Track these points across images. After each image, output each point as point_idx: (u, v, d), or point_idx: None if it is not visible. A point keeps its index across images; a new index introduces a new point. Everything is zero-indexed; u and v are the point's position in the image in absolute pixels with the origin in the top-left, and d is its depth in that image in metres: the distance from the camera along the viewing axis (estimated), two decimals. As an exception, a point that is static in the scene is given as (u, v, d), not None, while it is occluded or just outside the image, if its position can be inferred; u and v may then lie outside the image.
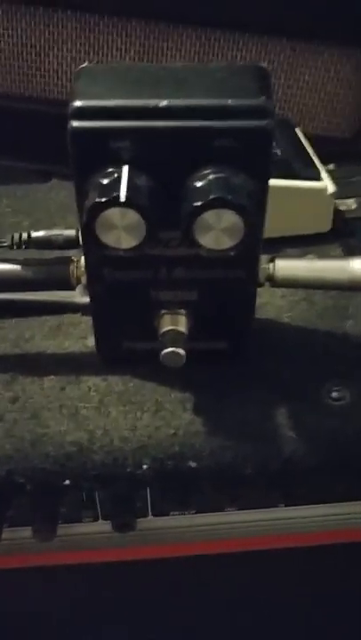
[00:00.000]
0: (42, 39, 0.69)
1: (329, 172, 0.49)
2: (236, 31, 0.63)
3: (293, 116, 0.66)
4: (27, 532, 0.41)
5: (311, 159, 0.49)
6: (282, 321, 0.43)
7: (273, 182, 0.32)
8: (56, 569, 0.46)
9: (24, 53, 0.70)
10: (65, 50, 0.70)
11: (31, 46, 0.70)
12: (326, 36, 0.64)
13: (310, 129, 0.66)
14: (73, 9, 0.67)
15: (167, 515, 0.44)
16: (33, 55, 0.70)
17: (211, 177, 0.30)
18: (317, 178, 0.48)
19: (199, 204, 0.30)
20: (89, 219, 0.30)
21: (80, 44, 0.68)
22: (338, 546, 0.47)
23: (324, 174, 0.48)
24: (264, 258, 0.37)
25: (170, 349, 0.35)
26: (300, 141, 0.52)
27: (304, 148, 0.51)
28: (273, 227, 0.35)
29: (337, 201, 0.49)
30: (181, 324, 0.36)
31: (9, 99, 0.72)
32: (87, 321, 0.42)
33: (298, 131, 0.54)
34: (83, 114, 0.30)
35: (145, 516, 0.43)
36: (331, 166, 0.53)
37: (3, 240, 0.37)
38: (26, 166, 0.70)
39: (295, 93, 0.68)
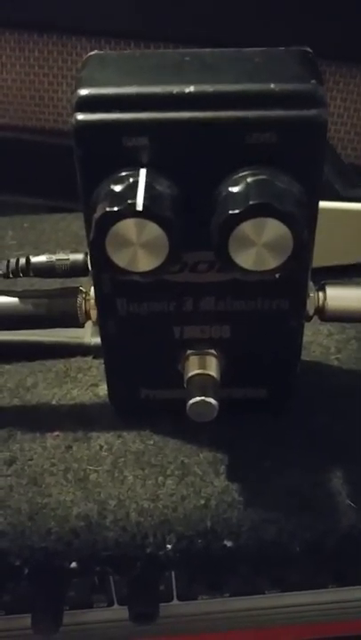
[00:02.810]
0: (55, 68, 0.65)
1: (376, 194, 0.43)
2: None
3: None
4: (25, 620, 0.33)
5: (356, 179, 0.43)
6: (330, 364, 0.36)
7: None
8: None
9: (35, 82, 0.66)
10: (79, 78, 0.66)
11: (43, 75, 0.66)
12: (359, 59, 0.60)
13: (342, 158, 0.61)
14: (88, 35, 0.63)
15: (196, 599, 0.36)
16: (45, 84, 0.66)
17: (249, 180, 0.24)
18: (364, 199, 0.42)
19: (236, 211, 0.23)
20: (98, 233, 0.24)
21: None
22: None
23: (371, 195, 0.42)
24: (311, 286, 0.30)
25: (198, 398, 0.29)
26: (341, 161, 0.46)
27: (346, 167, 0.45)
28: (313, 255, 0.29)
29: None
30: (211, 366, 0.30)
31: (20, 131, 0.68)
32: (99, 366, 0.36)
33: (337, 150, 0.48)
34: (90, 105, 0.24)
35: (169, 600, 0.36)
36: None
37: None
38: (37, 202, 0.66)
39: (326, 120, 0.63)
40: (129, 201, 0.23)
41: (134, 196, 0.23)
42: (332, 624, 0.38)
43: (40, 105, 0.67)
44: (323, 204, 0.41)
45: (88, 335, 0.37)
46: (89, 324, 0.34)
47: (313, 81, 0.24)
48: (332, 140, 0.64)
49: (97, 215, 0.24)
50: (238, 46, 0.26)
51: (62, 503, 0.30)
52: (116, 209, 0.23)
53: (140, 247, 0.24)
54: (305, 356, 0.36)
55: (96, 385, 0.35)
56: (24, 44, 0.64)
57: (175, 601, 0.36)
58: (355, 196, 0.42)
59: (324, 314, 0.30)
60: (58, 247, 0.47)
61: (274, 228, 0.24)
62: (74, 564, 0.30)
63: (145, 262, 0.25)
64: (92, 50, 0.63)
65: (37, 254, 0.45)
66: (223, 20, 0.57)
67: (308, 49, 0.27)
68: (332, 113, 0.64)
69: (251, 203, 0.23)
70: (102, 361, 0.33)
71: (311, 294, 0.30)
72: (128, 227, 0.24)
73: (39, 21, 0.63)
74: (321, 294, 0.30)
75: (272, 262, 0.25)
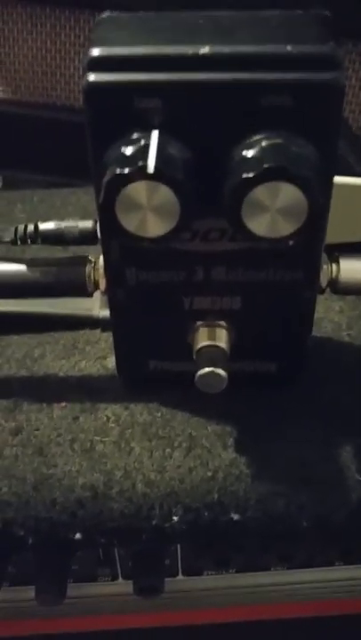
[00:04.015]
0: (67, 43, 0.64)
1: (391, 170, 0.43)
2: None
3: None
4: (29, 592, 0.33)
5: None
6: (341, 340, 0.36)
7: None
8: (65, 639, 0.38)
9: (47, 58, 0.65)
10: (91, 53, 0.65)
11: (55, 51, 0.65)
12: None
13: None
14: (101, 10, 0.62)
15: (201, 574, 0.36)
16: (57, 60, 0.65)
17: (264, 143, 0.23)
18: (379, 174, 0.41)
19: (250, 175, 0.23)
20: (107, 196, 0.23)
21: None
22: None
23: (386, 171, 0.42)
24: (324, 258, 0.30)
25: (207, 369, 0.28)
26: (355, 135, 0.45)
27: (360, 141, 0.44)
28: (328, 231, 0.28)
29: None
30: (221, 338, 0.29)
31: (30, 107, 0.67)
32: (108, 338, 0.36)
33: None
34: (102, 65, 0.23)
35: (174, 575, 0.36)
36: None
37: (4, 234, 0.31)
38: (48, 179, 0.65)
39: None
40: (140, 163, 0.23)
41: (145, 159, 0.23)
42: (339, 602, 0.38)
43: (52, 81, 0.66)
44: (337, 178, 0.41)
45: (97, 308, 0.36)
46: (98, 297, 0.33)
47: (331, 43, 0.23)
48: (349, 120, 0.63)
49: (107, 178, 0.23)
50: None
51: (68, 473, 0.30)
52: (126, 171, 0.23)
53: (150, 211, 0.24)
54: (316, 332, 0.35)
55: (104, 357, 0.35)
56: (36, 18, 0.63)
57: (180, 576, 0.36)
58: (370, 171, 0.41)
59: (336, 286, 0.30)
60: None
61: (288, 193, 0.23)
62: (78, 535, 0.29)
63: (155, 227, 0.24)
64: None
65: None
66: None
67: (327, 13, 0.26)
68: (348, 93, 0.63)
69: (265, 166, 0.23)
70: (111, 334, 0.33)
71: (324, 266, 0.30)
72: (138, 190, 0.23)
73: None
74: (334, 266, 0.30)
75: (286, 229, 0.24)
